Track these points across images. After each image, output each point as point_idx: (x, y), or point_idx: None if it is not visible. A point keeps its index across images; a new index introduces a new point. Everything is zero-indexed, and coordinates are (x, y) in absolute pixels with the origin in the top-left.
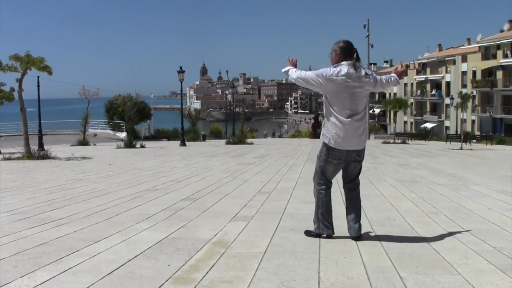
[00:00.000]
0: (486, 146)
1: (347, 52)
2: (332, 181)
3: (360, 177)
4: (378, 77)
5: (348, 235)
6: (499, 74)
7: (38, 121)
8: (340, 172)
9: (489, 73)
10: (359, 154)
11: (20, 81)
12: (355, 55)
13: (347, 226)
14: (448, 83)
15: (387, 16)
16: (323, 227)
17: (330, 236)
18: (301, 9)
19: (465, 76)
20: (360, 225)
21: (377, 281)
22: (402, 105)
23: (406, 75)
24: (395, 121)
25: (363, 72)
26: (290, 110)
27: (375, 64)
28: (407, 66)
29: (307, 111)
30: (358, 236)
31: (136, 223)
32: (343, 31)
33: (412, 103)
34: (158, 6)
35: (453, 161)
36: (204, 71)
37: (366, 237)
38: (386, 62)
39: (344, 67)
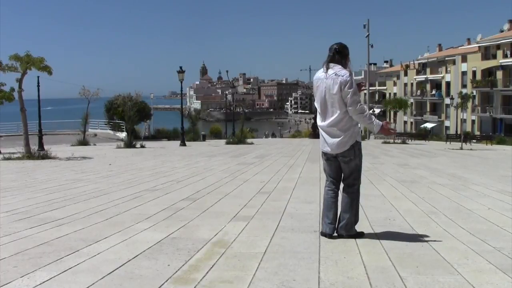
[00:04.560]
0: (486, 146)
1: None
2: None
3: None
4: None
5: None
6: (499, 74)
7: (38, 121)
8: None
9: (489, 73)
10: (344, 155)
11: (20, 81)
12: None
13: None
14: (448, 83)
15: (387, 16)
16: (323, 223)
17: (324, 234)
18: (301, 9)
19: (465, 76)
20: (346, 224)
21: (377, 281)
22: (402, 105)
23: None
24: (395, 121)
25: (330, 72)
26: (290, 110)
27: (375, 64)
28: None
29: (307, 111)
30: (341, 234)
31: (136, 223)
32: (343, 31)
33: (412, 103)
34: (158, 6)
35: (453, 161)
36: (204, 71)
37: (366, 237)
38: (386, 62)
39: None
